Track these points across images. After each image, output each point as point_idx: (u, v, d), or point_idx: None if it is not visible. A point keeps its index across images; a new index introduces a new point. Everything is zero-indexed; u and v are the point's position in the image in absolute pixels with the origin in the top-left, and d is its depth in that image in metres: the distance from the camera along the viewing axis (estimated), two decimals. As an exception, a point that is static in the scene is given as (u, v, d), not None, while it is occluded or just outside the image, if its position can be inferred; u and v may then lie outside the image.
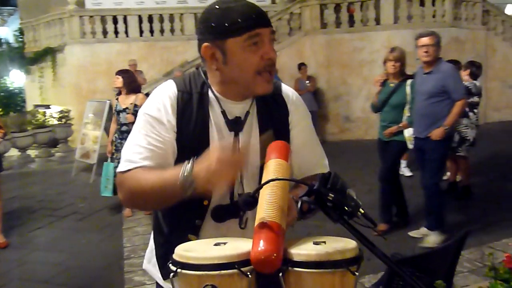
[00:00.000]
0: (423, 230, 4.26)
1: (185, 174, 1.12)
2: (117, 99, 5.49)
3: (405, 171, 6.67)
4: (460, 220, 4.76)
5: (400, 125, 4.36)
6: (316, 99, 9.90)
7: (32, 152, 9.78)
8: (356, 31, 10.38)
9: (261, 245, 0.96)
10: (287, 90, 1.45)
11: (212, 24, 1.24)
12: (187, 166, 1.14)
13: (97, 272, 4.08)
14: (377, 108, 4.56)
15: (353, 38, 10.32)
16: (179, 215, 1.27)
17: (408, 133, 4.36)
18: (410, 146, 4.40)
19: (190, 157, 1.20)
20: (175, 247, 1.07)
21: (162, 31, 11.33)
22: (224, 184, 1.12)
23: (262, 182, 1.10)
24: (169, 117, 1.29)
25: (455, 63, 6.06)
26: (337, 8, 10.50)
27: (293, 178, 1.15)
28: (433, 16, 10.49)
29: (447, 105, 4.03)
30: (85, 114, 8.32)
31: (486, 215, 4.84)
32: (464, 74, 5.49)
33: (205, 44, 1.26)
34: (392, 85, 4.41)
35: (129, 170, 1.26)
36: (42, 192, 7.05)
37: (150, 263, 1.47)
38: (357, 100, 10.15)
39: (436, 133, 4.02)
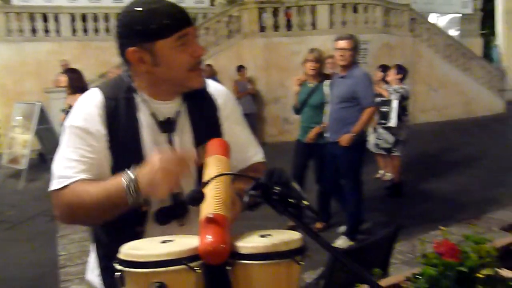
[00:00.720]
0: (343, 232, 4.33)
1: (129, 182, 1.12)
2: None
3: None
4: (392, 215, 5.03)
5: (323, 125, 4.35)
6: (255, 102, 10.03)
7: (-48, 158, 9.05)
8: (294, 35, 10.64)
9: (209, 237, 0.98)
10: (214, 86, 1.45)
11: (137, 27, 1.21)
12: (129, 173, 1.13)
13: (30, 283, 3.85)
14: (298, 109, 4.56)
15: (291, 41, 10.57)
16: (118, 224, 1.23)
17: None
18: None
19: (125, 164, 1.19)
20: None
21: (96, 30, 10.94)
22: (169, 188, 1.12)
23: (204, 179, 1.11)
24: (98, 126, 1.26)
25: (385, 67, 6.44)
26: (275, 12, 10.72)
27: (240, 173, 1.17)
28: (366, 22, 11.01)
29: (357, 111, 3.98)
30: (12, 117, 7.84)
31: (416, 210, 5.16)
32: (396, 78, 5.82)
33: (131, 48, 1.23)
34: (311, 85, 4.41)
35: (65, 186, 1.21)
36: (-35, 201, 6.55)
37: (93, 273, 1.42)
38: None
39: (344, 139, 3.98)
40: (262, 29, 10.78)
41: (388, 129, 5.72)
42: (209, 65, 9.56)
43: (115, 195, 1.14)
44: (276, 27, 10.73)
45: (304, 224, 0.95)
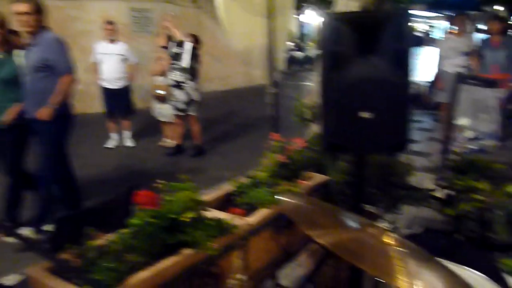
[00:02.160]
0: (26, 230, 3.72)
1: None
2: None
3: (128, 141, 6.89)
4: (170, 176, 5.27)
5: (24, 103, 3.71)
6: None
7: None
8: (70, -1, 9.83)
9: None
10: None
11: None
12: None
13: None
14: None
15: (67, 6, 9.73)
16: None
17: None
18: None
19: None
20: None
21: None
22: None
23: None
24: None
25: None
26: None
27: None
28: (148, -9, 10.89)
29: (54, 81, 3.61)
30: None
31: (196, 170, 5.54)
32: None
33: None
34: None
35: None
36: None
37: None
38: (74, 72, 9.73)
39: (43, 113, 3.56)
40: (32, -11, 9.62)
41: (182, 87, 6.06)
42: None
43: None
44: (48, -11, 9.72)
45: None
